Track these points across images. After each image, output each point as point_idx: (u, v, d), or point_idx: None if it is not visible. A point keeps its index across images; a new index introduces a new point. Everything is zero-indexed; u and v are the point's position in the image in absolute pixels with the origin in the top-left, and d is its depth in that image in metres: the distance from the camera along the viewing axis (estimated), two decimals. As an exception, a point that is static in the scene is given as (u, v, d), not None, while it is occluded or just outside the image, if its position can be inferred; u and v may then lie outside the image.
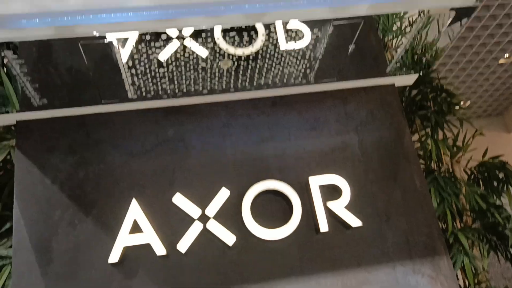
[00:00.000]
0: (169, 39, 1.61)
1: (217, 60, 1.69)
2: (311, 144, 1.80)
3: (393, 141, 1.88)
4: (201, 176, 1.68)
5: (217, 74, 1.65)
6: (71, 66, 1.49)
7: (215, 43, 1.70)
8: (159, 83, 1.65)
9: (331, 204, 1.69)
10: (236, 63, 1.64)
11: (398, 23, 2.47)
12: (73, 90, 1.62)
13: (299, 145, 1.78)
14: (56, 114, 1.69)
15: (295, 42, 1.70)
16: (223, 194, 1.65)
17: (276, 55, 1.68)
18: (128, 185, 1.65)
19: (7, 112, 1.65)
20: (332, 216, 1.69)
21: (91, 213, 1.60)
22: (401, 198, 1.78)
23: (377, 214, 1.74)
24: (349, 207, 1.70)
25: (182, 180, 1.66)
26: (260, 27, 1.59)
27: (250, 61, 1.68)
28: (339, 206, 1.69)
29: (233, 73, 1.66)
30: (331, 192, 1.72)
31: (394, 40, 2.53)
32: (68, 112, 1.69)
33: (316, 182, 1.71)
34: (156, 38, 1.52)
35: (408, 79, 1.99)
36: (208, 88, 1.69)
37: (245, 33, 1.62)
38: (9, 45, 1.33)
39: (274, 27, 1.56)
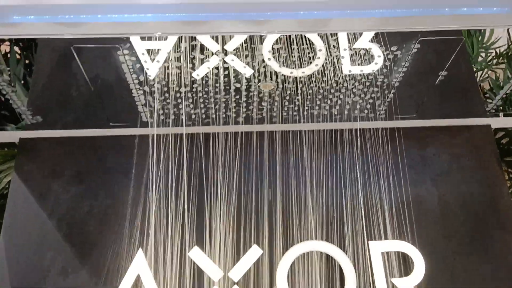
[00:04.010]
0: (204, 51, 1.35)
1: (262, 81, 1.41)
2: (374, 196, 1.44)
3: (485, 200, 1.48)
4: (228, 228, 1.35)
5: (255, 99, 1.34)
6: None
7: (263, 61, 1.43)
8: (183, 107, 1.38)
9: (398, 282, 1.29)
10: (283, 86, 1.33)
11: (483, 54, 2.21)
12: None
13: (358, 197, 1.43)
14: (65, 134, 1.46)
15: (363, 64, 1.38)
16: (254, 253, 1.31)
17: (336, 79, 1.37)
18: (136, 228, 1.35)
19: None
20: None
21: (88, 260, 1.31)
22: (491, 277, 1.36)
23: (461, 298, 1.32)
24: (423, 286, 1.30)
25: (204, 230, 1.35)
26: (318, 42, 1.26)
27: (303, 85, 1.37)
28: (409, 285, 1.29)
29: (278, 98, 1.36)
30: (398, 264, 1.34)
31: (479, 73, 2.24)
32: (79, 133, 1.46)
33: (378, 249, 1.33)
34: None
35: (509, 121, 1.59)
36: (245, 115, 1.38)
37: (295, 47, 1.32)
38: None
39: (336, 42, 1.24)
